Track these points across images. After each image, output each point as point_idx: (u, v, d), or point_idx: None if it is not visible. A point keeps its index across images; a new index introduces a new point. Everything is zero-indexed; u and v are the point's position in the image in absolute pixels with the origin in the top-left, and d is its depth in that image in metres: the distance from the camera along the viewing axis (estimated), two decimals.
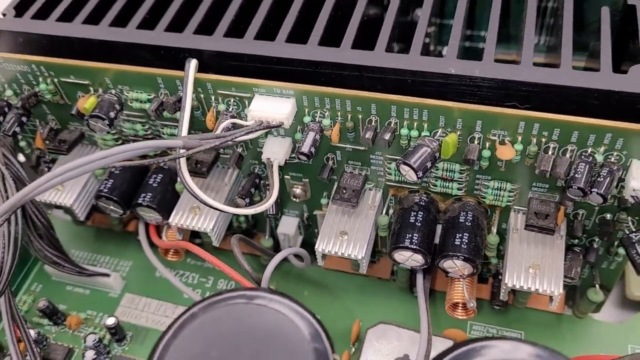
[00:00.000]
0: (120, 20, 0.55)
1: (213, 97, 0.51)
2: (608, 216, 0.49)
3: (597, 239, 0.52)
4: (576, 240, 0.52)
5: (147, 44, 0.51)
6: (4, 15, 0.57)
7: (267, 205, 0.49)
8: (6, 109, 0.57)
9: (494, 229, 0.51)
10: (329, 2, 0.53)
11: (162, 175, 0.58)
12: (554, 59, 0.51)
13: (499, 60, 0.46)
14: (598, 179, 0.43)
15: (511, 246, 0.50)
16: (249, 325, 0.42)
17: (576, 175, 0.43)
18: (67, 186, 0.59)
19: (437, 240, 0.53)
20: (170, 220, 0.56)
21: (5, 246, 0.51)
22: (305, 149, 0.48)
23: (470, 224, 0.51)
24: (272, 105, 0.48)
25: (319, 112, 0.49)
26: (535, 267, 0.48)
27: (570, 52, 0.46)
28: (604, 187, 0.42)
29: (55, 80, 0.55)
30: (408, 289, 0.64)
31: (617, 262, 0.55)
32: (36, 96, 0.56)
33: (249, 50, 0.49)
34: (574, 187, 0.42)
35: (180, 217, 0.56)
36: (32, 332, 0.58)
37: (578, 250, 0.52)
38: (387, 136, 0.47)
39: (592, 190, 0.42)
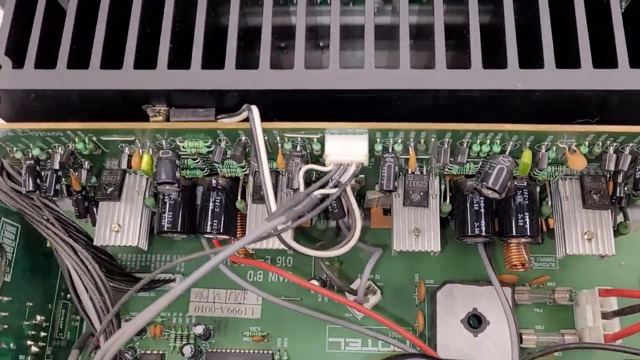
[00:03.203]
0: (140, 61, 0.50)
1: (278, 138, 0.50)
2: None
3: None
4: None
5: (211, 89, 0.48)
6: None
7: (356, 237, 0.52)
8: (37, 168, 0.53)
9: (550, 201, 0.57)
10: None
11: (219, 198, 0.58)
12: None
13: None
14: None
15: (564, 215, 0.56)
16: None
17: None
18: (124, 226, 0.58)
19: None
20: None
21: None
22: (389, 185, 0.49)
23: (528, 201, 0.56)
24: (348, 145, 0.48)
25: (391, 141, 0.50)
26: (590, 234, 0.55)
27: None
28: None
29: (95, 138, 0.51)
30: None
31: None
32: (73, 154, 0.53)
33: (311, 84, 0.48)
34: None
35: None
36: (127, 356, 0.62)
37: None
38: (464, 159, 0.49)
39: None
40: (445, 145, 0.49)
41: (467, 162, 0.52)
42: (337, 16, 0.49)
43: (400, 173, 0.55)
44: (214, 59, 0.50)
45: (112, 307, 0.53)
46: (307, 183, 0.54)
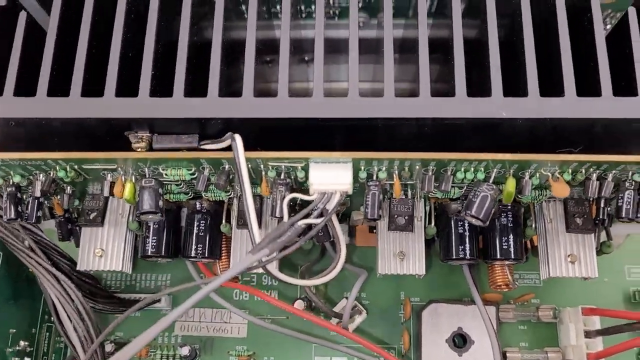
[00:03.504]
0: (122, 87, 0.49)
1: (262, 166, 0.50)
2: None
3: None
4: None
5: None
6: None
7: (340, 265, 0.52)
8: (18, 194, 0.53)
9: (533, 225, 0.57)
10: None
11: (203, 221, 0.58)
12: None
13: None
14: None
15: (548, 237, 0.57)
16: None
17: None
18: (108, 250, 0.58)
19: None
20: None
21: None
22: (374, 214, 0.49)
23: (512, 224, 0.56)
24: (332, 174, 0.48)
25: (375, 169, 0.50)
26: (574, 257, 0.55)
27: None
28: None
29: (76, 167, 0.51)
30: None
31: None
32: (55, 182, 0.52)
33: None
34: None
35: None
36: None
37: None
38: (448, 188, 0.49)
39: None
40: (430, 173, 0.49)
41: (452, 187, 0.52)
42: (322, 42, 0.48)
43: (385, 197, 0.55)
44: (198, 80, 0.50)
45: (95, 335, 0.52)
46: (292, 207, 0.54)
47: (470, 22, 0.52)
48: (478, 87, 0.48)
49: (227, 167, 0.50)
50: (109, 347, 0.64)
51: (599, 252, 0.61)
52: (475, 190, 0.49)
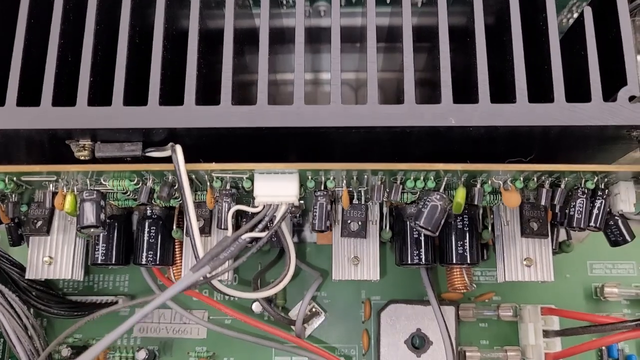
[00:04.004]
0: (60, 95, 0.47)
1: (207, 176, 0.48)
2: None
3: None
4: None
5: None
6: None
7: (289, 275, 0.51)
8: None
9: (489, 227, 0.56)
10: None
11: (154, 228, 0.56)
12: None
13: None
14: None
15: (504, 240, 0.56)
16: None
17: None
18: (57, 257, 0.56)
19: None
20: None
21: None
22: (321, 226, 0.48)
23: (468, 227, 0.55)
24: (278, 185, 0.47)
25: (323, 178, 0.48)
26: (530, 261, 0.55)
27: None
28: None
29: (15, 178, 0.49)
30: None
31: None
32: None
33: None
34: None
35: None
36: None
37: None
38: (398, 197, 0.48)
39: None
40: (379, 183, 0.48)
41: (404, 193, 0.51)
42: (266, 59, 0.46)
43: (334, 204, 0.54)
44: (141, 83, 0.48)
45: (42, 348, 0.51)
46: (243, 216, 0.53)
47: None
48: (430, 99, 0.47)
49: (170, 178, 0.48)
50: (65, 352, 0.63)
51: (559, 251, 0.60)
52: (425, 199, 0.47)
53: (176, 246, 0.59)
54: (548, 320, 0.61)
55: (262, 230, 0.47)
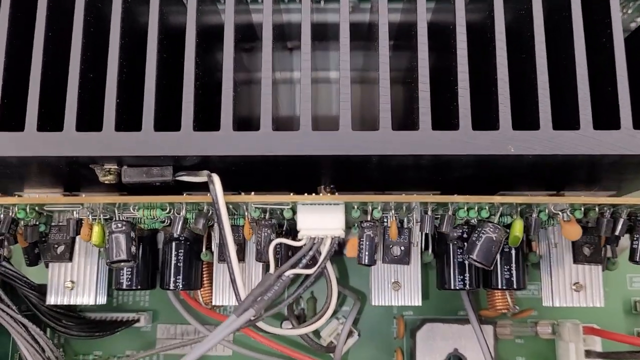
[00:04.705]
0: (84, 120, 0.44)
1: (245, 207, 0.45)
2: None
3: None
4: None
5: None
6: None
7: (330, 311, 0.48)
8: None
9: (538, 251, 0.53)
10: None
11: (182, 251, 0.53)
12: None
13: None
14: None
15: (552, 263, 0.53)
16: None
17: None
18: (79, 282, 0.53)
19: None
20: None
21: None
22: (371, 261, 0.45)
23: (514, 251, 0.52)
24: (323, 218, 0.44)
25: (370, 208, 0.45)
26: (579, 286, 0.52)
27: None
28: None
29: (37, 208, 0.46)
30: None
31: None
32: (15, 221, 0.47)
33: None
34: None
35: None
36: None
37: None
38: (449, 228, 0.45)
39: None
40: (429, 213, 0.45)
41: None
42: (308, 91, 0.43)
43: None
44: (170, 108, 0.44)
45: None
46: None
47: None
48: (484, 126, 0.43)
49: (205, 208, 0.45)
50: None
51: (603, 267, 0.58)
52: (479, 231, 0.44)
53: (204, 268, 0.56)
54: (589, 340, 0.59)
55: (306, 266, 0.43)
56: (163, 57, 0.46)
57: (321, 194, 0.46)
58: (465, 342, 0.60)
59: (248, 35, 0.54)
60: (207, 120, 0.45)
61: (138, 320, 0.63)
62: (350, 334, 0.62)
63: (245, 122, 0.49)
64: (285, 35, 0.65)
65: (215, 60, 0.47)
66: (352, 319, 0.58)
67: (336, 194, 0.47)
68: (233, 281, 0.42)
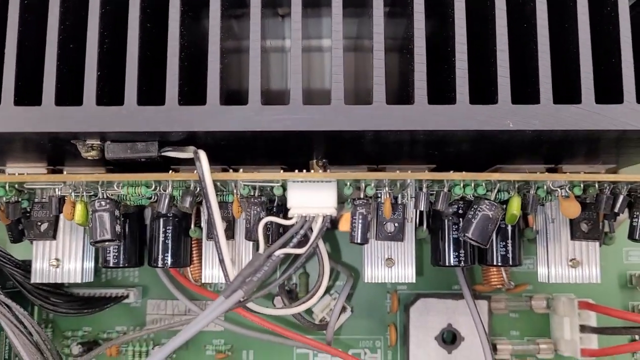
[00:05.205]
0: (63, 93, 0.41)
1: (234, 184, 0.43)
2: None
3: None
4: None
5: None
6: None
7: (322, 289, 0.47)
8: None
9: (535, 227, 0.52)
10: None
11: (170, 228, 0.51)
12: None
13: None
14: None
15: (549, 238, 0.52)
16: None
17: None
18: (64, 260, 0.52)
19: None
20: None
21: None
22: (363, 239, 0.44)
23: (510, 229, 0.51)
24: (315, 196, 0.42)
25: (363, 185, 0.43)
26: (576, 263, 0.51)
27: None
28: None
29: (17, 185, 0.44)
30: None
31: None
32: None
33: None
34: None
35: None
36: None
37: None
38: (445, 206, 0.43)
39: None
40: (424, 190, 0.44)
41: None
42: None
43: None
44: (156, 81, 0.42)
45: None
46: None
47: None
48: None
49: (192, 186, 0.43)
50: (75, 350, 0.60)
51: (600, 243, 0.57)
52: (475, 208, 0.43)
53: (194, 244, 0.54)
54: (584, 315, 0.59)
55: (297, 245, 0.42)
56: (147, 26, 0.43)
57: (312, 170, 0.45)
58: (459, 318, 0.59)
59: (237, 2, 0.52)
60: (194, 92, 0.43)
61: (127, 297, 0.62)
62: (343, 309, 0.61)
63: (235, 94, 0.47)
64: (276, 1, 0.62)
65: (202, 29, 0.45)
66: (345, 297, 0.57)
67: (328, 170, 0.46)
68: (221, 261, 0.41)
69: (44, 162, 0.51)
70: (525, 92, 0.42)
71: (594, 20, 0.41)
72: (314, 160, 0.50)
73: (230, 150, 0.46)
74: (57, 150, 0.46)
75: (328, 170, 0.46)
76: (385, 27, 0.41)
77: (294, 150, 0.47)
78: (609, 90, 0.42)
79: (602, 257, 0.63)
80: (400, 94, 0.46)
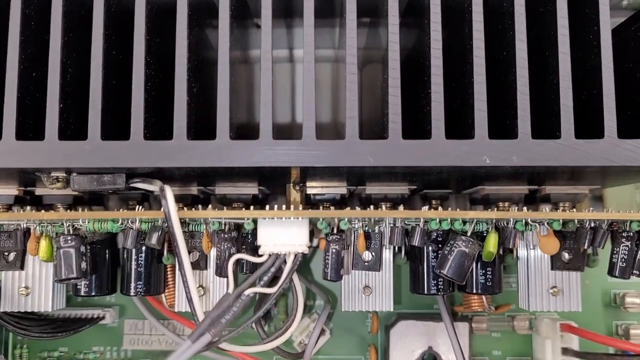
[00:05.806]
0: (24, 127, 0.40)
1: (202, 219, 0.42)
2: None
3: None
4: None
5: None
6: None
7: (296, 323, 0.46)
8: None
9: (515, 254, 0.51)
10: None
11: (142, 255, 0.50)
12: None
13: None
14: None
15: (530, 265, 0.51)
16: None
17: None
18: (35, 288, 0.50)
19: None
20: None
21: None
22: (336, 276, 0.42)
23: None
24: (285, 232, 0.41)
25: (336, 220, 0.42)
26: (556, 291, 0.50)
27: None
28: None
29: None
30: None
31: None
32: None
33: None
34: None
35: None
36: None
37: None
38: (420, 242, 0.42)
39: None
40: (399, 225, 0.42)
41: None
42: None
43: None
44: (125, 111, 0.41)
45: None
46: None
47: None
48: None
49: (159, 222, 0.42)
50: None
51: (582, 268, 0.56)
52: (451, 244, 0.42)
53: (168, 270, 0.53)
54: (566, 337, 0.58)
55: (268, 283, 0.41)
56: (112, 53, 0.42)
57: (283, 209, 0.43)
58: (440, 340, 0.58)
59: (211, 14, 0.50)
60: (166, 124, 0.41)
61: (103, 318, 0.60)
62: (322, 332, 0.60)
63: (207, 125, 0.45)
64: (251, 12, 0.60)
65: (171, 52, 0.43)
66: (323, 322, 0.56)
67: (300, 207, 0.45)
68: (189, 300, 0.40)
69: (15, 183, 0.50)
70: (503, 126, 0.41)
71: (574, 46, 0.40)
72: (291, 184, 0.49)
73: (202, 177, 0.45)
74: (25, 177, 0.45)
75: (300, 208, 0.44)
76: (359, 59, 0.40)
77: (269, 177, 0.46)
78: (589, 123, 0.40)
79: (586, 275, 0.63)
80: (374, 127, 0.44)
